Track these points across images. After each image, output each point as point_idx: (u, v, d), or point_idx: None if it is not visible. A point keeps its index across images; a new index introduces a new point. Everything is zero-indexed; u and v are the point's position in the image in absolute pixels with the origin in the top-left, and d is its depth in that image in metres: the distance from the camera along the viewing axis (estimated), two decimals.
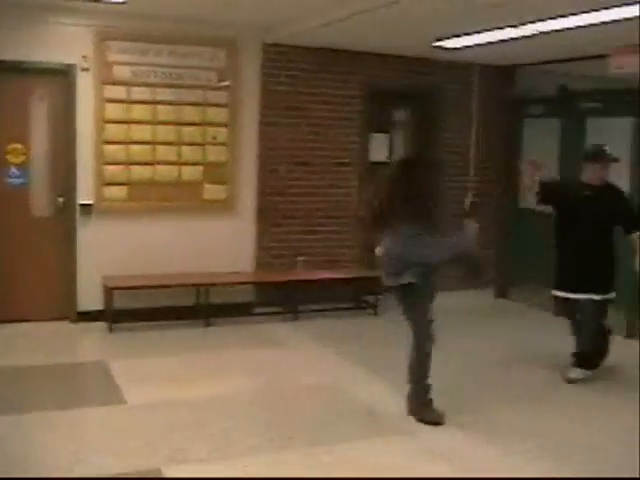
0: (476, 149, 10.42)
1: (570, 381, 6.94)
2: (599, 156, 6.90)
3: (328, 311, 9.13)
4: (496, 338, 8.44)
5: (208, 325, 8.49)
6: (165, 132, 8.57)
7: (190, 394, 6.34)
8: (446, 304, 9.77)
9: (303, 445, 5.35)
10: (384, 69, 9.69)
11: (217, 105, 8.79)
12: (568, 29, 7.21)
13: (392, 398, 6.31)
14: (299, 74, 9.22)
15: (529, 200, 10.10)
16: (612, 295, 6.88)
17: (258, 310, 8.98)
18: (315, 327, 8.52)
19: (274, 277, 9.11)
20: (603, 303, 6.89)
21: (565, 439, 5.61)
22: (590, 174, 6.89)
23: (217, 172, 8.84)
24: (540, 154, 10.11)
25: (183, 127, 8.65)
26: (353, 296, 9.56)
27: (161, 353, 7.50)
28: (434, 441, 5.50)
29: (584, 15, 6.67)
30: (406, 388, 5.99)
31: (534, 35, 7.60)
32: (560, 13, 6.68)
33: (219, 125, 8.83)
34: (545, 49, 8.74)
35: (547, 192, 7.22)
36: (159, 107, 8.54)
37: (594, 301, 6.80)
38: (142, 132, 8.48)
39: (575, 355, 7.05)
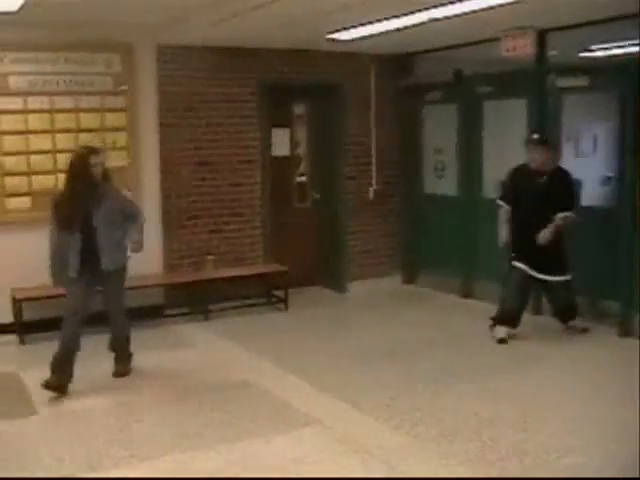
0: (377, 139, 10.55)
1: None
2: (527, 143, 7.81)
3: (239, 308, 9.22)
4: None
5: None
6: (65, 140, 8.49)
7: (104, 401, 6.39)
8: (356, 291, 10.03)
9: (215, 442, 5.43)
10: (280, 64, 9.75)
11: (115, 110, 8.76)
12: (459, 15, 7.29)
13: (303, 390, 6.50)
14: (195, 74, 9.24)
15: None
16: None
17: (169, 312, 9.00)
18: (226, 325, 8.59)
19: (183, 278, 9.15)
20: None
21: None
22: (529, 160, 7.73)
23: (119, 177, 8.79)
24: (440, 139, 10.30)
25: (82, 134, 8.58)
26: (263, 292, 9.67)
27: None
28: (347, 430, 5.63)
29: (474, 0, 6.78)
30: (319, 378, 6.50)
31: (426, 22, 7.65)
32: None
33: (118, 130, 8.81)
34: (439, 36, 8.87)
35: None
36: (57, 115, 8.49)
37: None
38: (41, 141, 8.43)
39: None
